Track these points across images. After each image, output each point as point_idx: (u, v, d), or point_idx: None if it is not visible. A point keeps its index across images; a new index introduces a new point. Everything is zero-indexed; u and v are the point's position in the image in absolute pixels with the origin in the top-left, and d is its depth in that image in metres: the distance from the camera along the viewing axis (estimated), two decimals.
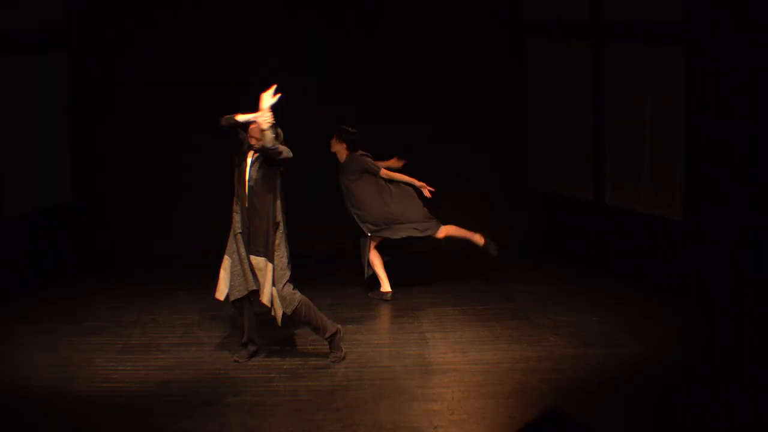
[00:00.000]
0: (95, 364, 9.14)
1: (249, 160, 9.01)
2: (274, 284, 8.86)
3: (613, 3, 11.94)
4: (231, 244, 9.04)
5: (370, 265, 10.95)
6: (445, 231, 11.07)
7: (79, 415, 8.08)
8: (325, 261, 12.17)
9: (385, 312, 10.59)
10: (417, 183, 11.07)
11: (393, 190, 11.00)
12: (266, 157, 8.88)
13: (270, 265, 8.84)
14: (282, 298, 8.89)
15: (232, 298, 9.11)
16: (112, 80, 12.78)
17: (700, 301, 10.48)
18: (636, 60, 11.74)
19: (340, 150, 10.98)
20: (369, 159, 10.93)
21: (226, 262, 9.08)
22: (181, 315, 10.47)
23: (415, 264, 12.03)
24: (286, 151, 8.88)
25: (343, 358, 9.11)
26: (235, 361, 9.11)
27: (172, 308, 10.68)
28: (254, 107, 12.76)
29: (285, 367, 9.05)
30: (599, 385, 8.52)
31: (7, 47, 11.74)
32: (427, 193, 11.08)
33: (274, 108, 8.92)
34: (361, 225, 10.89)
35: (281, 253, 8.89)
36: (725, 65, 10.65)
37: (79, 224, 12.63)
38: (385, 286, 10.96)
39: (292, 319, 9.10)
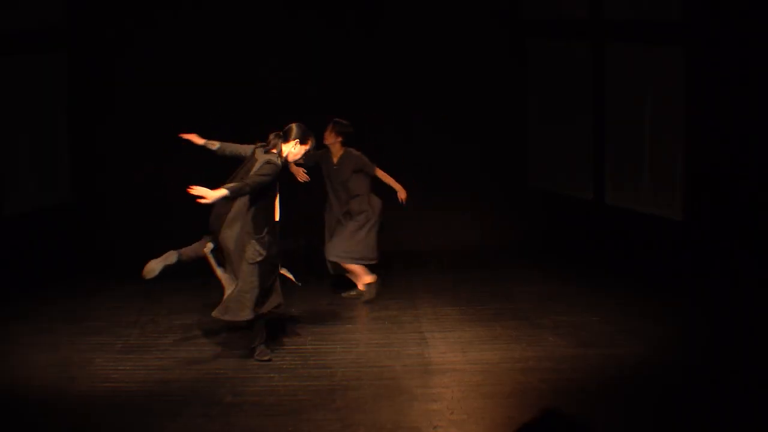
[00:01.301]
0: (95, 364, 9.14)
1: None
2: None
3: (613, 3, 11.94)
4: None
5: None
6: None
7: (79, 415, 8.09)
8: (324, 260, 12.14)
9: (385, 312, 10.58)
10: (400, 189, 10.88)
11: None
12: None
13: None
14: None
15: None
16: (112, 80, 12.78)
17: (700, 301, 10.48)
18: (636, 60, 11.74)
19: (334, 144, 10.86)
20: (365, 158, 10.87)
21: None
22: (181, 315, 10.47)
23: (415, 264, 12.03)
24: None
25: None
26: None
27: (172, 308, 10.68)
28: (253, 107, 12.80)
29: (285, 367, 9.05)
30: (599, 385, 8.52)
31: (7, 47, 11.74)
32: (402, 198, 10.86)
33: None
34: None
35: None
36: (725, 65, 10.65)
37: (79, 224, 12.64)
38: (366, 279, 10.88)
39: None
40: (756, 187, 10.43)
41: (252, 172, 8.87)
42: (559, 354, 9.19)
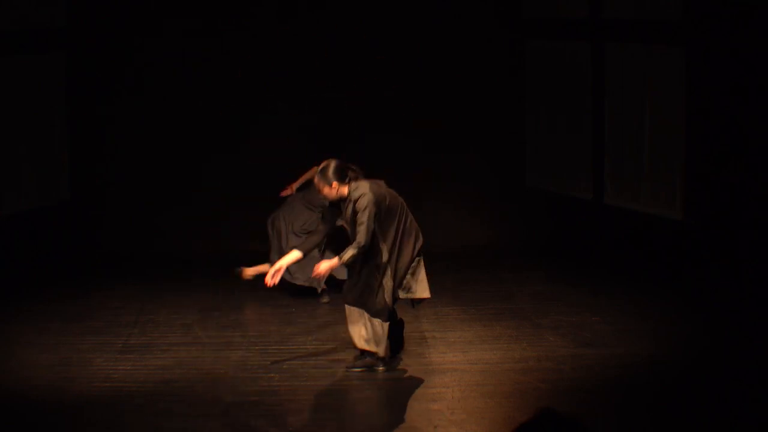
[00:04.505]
0: (95, 364, 9.13)
1: None
2: None
3: (613, 3, 11.93)
4: None
5: None
6: None
7: (79, 415, 8.08)
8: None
9: None
10: None
11: None
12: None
13: None
14: None
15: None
16: (111, 80, 12.77)
17: (700, 301, 10.48)
18: (636, 60, 11.74)
19: None
20: None
21: None
22: (181, 315, 10.46)
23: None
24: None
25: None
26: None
27: (172, 308, 10.66)
28: (252, 106, 12.78)
29: (285, 367, 9.04)
30: (599, 385, 8.51)
31: (7, 47, 11.74)
32: None
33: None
34: None
35: None
36: (725, 65, 10.65)
37: (79, 224, 12.63)
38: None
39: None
40: (756, 187, 10.43)
41: None
42: (559, 354, 9.19)
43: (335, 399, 8.37)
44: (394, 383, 8.66)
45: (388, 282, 8.65)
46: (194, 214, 12.73)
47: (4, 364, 9.17)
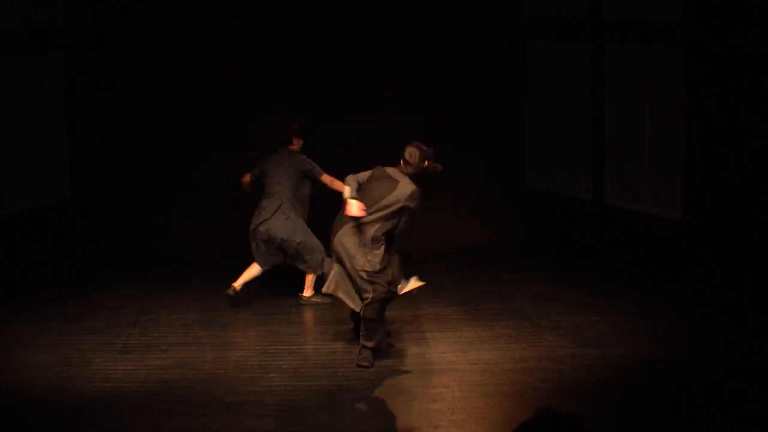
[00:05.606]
0: (95, 364, 9.14)
1: None
2: None
3: (613, 3, 11.94)
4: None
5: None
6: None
7: (79, 415, 8.09)
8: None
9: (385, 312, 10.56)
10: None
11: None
12: None
13: None
14: None
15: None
16: (112, 80, 12.77)
17: (700, 301, 10.48)
18: (636, 60, 11.74)
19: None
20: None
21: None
22: (181, 315, 10.47)
23: (415, 264, 12.02)
24: None
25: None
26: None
27: (172, 308, 10.67)
28: (252, 106, 12.77)
29: (285, 367, 9.05)
30: (599, 385, 8.52)
31: (7, 47, 11.74)
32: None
33: None
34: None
35: None
36: (725, 65, 10.65)
37: (79, 224, 12.63)
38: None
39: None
40: (756, 187, 10.43)
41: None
42: (559, 354, 9.19)
43: (335, 399, 8.37)
44: (394, 383, 8.66)
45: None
46: (194, 214, 12.74)
47: (4, 364, 9.18)
